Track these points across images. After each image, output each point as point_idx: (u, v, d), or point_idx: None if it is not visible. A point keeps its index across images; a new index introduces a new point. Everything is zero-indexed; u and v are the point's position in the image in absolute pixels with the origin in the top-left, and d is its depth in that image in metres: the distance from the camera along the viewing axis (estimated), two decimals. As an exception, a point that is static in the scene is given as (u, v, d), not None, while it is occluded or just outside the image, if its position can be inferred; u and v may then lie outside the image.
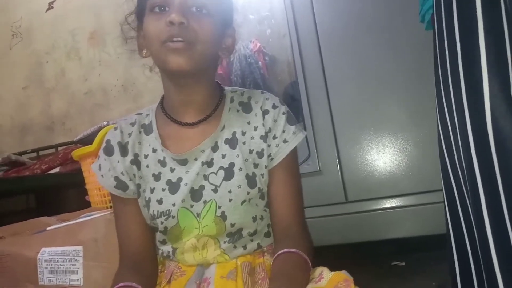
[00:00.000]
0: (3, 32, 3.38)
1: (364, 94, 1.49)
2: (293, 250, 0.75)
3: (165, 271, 0.84)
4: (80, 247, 0.94)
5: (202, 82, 0.82)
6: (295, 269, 0.73)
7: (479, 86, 0.68)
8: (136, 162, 0.84)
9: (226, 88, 0.90)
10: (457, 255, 0.86)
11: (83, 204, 1.54)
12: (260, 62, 2.42)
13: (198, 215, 0.80)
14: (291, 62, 1.82)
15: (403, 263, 1.54)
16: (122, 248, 0.84)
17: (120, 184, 0.83)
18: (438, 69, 0.83)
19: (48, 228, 1.06)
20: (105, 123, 1.74)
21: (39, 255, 0.96)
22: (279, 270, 0.74)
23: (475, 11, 0.69)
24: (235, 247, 0.82)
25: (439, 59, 0.82)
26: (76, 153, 1.53)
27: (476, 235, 0.75)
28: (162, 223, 0.80)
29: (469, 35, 0.71)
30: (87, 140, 1.71)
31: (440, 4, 0.79)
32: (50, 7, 3.26)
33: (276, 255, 0.76)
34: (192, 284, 0.79)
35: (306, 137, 1.49)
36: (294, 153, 0.85)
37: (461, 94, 0.73)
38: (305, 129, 1.48)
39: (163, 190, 0.81)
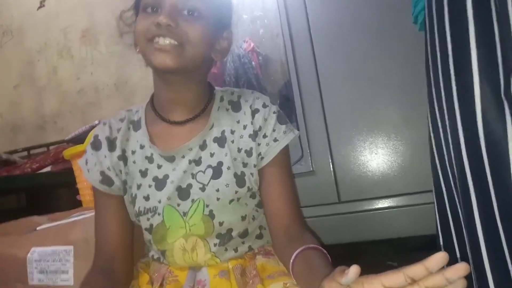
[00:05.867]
0: (-6, 31, 3.35)
1: (358, 95, 1.49)
2: (312, 245, 0.70)
3: (156, 274, 0.83)
4: (70, 247, 0.93)
5: (191, 82, 0.81)
6: (326, 262, 0.67)
7: (470, 89, 0.68)
8: (123, 158, 0.84)
9: (217, 88, 0.89)
10: None
11: (74, 203, 1.53)
12: (253, 62, 2.41)
13: (185, 214, 0.79)
14: (284, 62, 1.81)
15: (396, 264, 1.54)
16: (98, 244, 0.83)
17: (106, 179, 0.83)
18: (429, 72, 0.83)
19: (38, 228, 1.05)
20: (96, 122, 1.73)
21: (29, 254, 0.95)
22: (315, 263, 0.66)
23: (466, 15, 0.69)
24: (226, 249, 0.82)
25: (430, 62, 0.82)
26: (67, 152, 1.51)
27: (466, 238, 0.75)
28: (148, 219, 0.80)
29: (460, 39, 0.71)
30: (79, 139, 1.70)
31: (432, 7, 0.79)
32: (41, 5, 3.23)
33: (296, 254, 0.69)
34: None
35: (299, 137, 1.49)
36: (285, 152, 0.85)
37: (452, 97, 0.73)
38: (298, 129, 1.48)
39: (150, 186, 0.81)
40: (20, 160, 2.43)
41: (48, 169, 2.21)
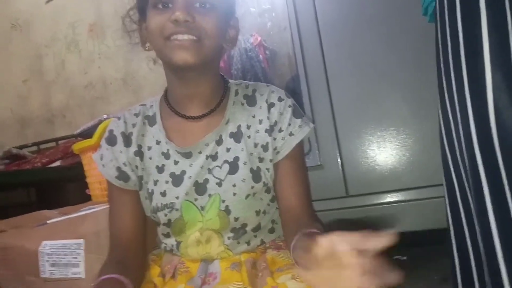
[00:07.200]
0: (2, 25, 3.36)
1: (366, 88, 1.49)
2: (314, 230, 0.69)
3: (169, 266, 0.84)
4: (81, 240, 0.94)
5: (206, 76, 0.80)
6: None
7: (482, 78, 0.67)
8: (139, 153, 0.83)
9: (230, 81, 0.89)
10: (456, 250, 0.86)
11: (83, 197, 1.53)
12: (260, 56, 2.41)
13: (202, 208, 0.80)
14: (291, 56, 1.81)
15: (405, 258, 1.54)
16: (112, 238, 0.83)
17: (122, 175, 0.83)
18: (440, 61, 0.82)
19: (49, 221, 1.06)
20: (105, 116, 1.74)
21: (40, 248, 0.96)
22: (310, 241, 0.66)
23: (478, 3, 0.68)
24: (238, 243, 0.82)
25: (441, 51, 0.81)
26: (77, 146, 1.52)
27: (478, 231, 0.74)
28: (165, 215, 0.80)
29: (472, 27, 0.69)
30: (88, 133, 1.71)
31: (443, -3, 0.78)
32: (49, -1, 3.24)
33: (297, 236, 0.69)
34: (197, 279, 0.79)
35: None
36: (300, 146, 0.84)
37: (464, 86, 0.72)
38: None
39: (167, 182, 0.81)
40: (30, 155, 2.46)
41: (57, 163, 2.23)
